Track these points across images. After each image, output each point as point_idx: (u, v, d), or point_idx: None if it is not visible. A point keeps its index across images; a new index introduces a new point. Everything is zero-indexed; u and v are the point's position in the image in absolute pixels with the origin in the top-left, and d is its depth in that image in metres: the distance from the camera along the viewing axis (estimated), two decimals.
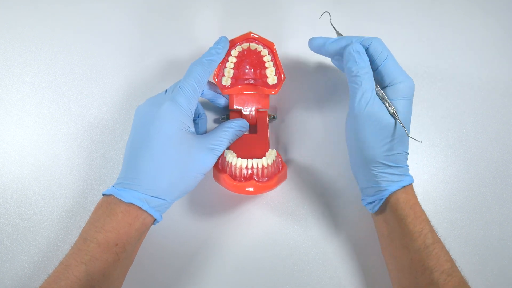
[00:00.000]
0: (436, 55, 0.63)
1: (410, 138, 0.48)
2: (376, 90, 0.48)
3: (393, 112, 0.46)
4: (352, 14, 0.64)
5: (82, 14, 0.63)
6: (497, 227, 0.57)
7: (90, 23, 0.62)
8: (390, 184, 0.47)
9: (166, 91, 0.50)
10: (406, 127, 0.48)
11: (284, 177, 0.53)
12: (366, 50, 0.49)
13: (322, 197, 0.57)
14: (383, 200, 0.48)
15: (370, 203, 0.50)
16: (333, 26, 0.53)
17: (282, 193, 0.57)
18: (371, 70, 0.48)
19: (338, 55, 0.52)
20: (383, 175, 0.47)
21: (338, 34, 0.53)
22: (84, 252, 0.44)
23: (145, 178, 0.46)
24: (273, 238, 0.56)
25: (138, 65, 0.61)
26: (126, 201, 0.45)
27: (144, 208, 0.46)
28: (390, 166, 0.47)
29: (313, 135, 0.59)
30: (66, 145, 0.58)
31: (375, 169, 0.47)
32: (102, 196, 0.48)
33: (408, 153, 0.49)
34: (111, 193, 0.46)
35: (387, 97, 0.48)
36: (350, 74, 0.48)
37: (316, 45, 0.52)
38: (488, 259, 0.56)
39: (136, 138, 0.48)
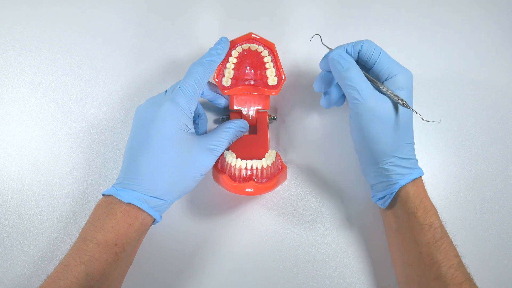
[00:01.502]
0: (436, 55, 0.63)
1: (426, 121, 0.49)
2: (378, 86, 0.48)
3: (403, 102, 0.46)
4: (353, 16, 0.64)
5: (82, 14, 0.62)
6: (497, 227, 0.57)
7: (90, 23, 0.62)
8: (400, 177, 0.48)
9: (166, 91, 0.50)
10: (408, 119, 0.48)
11: (283, 178, 0.53)
12: (359, 52, 0.49)
13: (322, 198, 0.57)
14: (393, 194, 0.48)
15: (381, 198, 0.50)
16: (326, 46, 0.53)
17: (282, 193, 0.57)
18: (357, 67, 0.48)
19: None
20: (393, 168, 0.48)
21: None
22: (84, 252, 0.44)
23: (144, 178, 0.46)
24: (272, 238, 0.56)
25: (138, 65, 0.61)
26: (126, 201, 0.45)
27: (143, 208, 0.46)
28: (400, 158, 0.47)
29: (313, 136, 0.59)
30: (66, 145, 0.58)
31: (385, 163, 0.48)
32: (101, 196, 0.48)
33: (414, 143, 0.49)
34: (111, 193, 0.46)
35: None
36: (339, 77, 0.48)
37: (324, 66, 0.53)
38: (488, 259, 0.56)
39: (136, 138, 0.48)
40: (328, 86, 0.53)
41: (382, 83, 0.49)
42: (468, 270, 0.46)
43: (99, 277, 0.44)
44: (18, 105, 0.59)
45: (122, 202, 0.45)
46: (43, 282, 0.44)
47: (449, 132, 0.60)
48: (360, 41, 0.49)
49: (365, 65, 0.51)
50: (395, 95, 0.47)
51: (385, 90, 0.48)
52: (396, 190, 0.48)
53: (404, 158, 0.48)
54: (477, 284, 0.46)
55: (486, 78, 0.62)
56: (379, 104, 0.46)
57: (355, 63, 0.48)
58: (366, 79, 0.48)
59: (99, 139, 0.59)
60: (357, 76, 0.47)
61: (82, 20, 0.62)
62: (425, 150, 0.60)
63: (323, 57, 0.52)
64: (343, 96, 0.54)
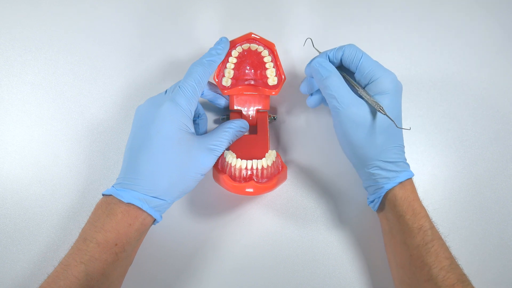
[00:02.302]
0: (436, 56, 0.63)
1: (401, 129, 0.48)
2: (356, 90, 0.49)
3: (379, 108, 0.46)
4: (353, 16, 0.64)
5: (82, 14, 0.63)
6: (496, 226, 0.57)
7: (90, 23, 0.62)
8: (386, 181, 0.48)
9: (166, 91, 0.50)
10: (394, 120, 0.48)
11: (283, 178, 0.53)
12: (342, 58, 0.50)
13: (322, 197, 0.57)
14: (381, 198, 0.48)
15: (372, 201, 0.50)
16: (316, 50, 0.53)
17: (282, 193, 0.57)
18: (338, 74, 0.48)
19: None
20: (378, 172, 0.48)
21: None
22: (84, 252, 0.44)
23: (144, 179, 0.46)
24: (272, 238, 0.56)
25: (138, 65, 0.61)
26: (126, 201, 0.45)
27: (143, 208, 0.46)
28: (385, 162, 0.48)
29: (313, 136, 0.59)
30: (66, 145, 0.58)
31: (370, 168, 0.48)
32: (102, 196, 0.48)
33: (403, 146, 0.49)
34: (111, 193, 0.46)
35: (370, 93, 0.48)
36: (320, 86, 0.49)
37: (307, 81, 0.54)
38: (487, 259, 0.56)
39: (136, 138, 0.48)
40: (312, 90, 0.54)
41: (364, 87, 0.49)
42: (463, 271, 0.46)
43: (99, 277, 0.44)
44: (18, 105, 0.59)
45: (122, 202, 0.45)
46: (43, 282, 0.44)
47: (449, 132, 0.60)
48: (342, 47, 0.50)
49: (350, 70, 0.51)
50: (373, 101, 0.47)
51: (365, 96, 0.48)
52: (383, 194, 0.48)
53: (390, 162, 0.48)
54: (477, 283, 0.46)
55: (486, 78, 0.62)
56: (359, 111, 0.47)
57: (335, 70, 0.48)
58: (346, 87, 0.48)
59: (99, 139, 0.59)
60: (336, 84, 0.47)
61: (82, 20, 0.62)
62: (425, 150, 0.60)
63: (308, 64, 0.52)
64: None
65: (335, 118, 0.49)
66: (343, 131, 0.48)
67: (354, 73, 0.51)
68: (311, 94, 0.55)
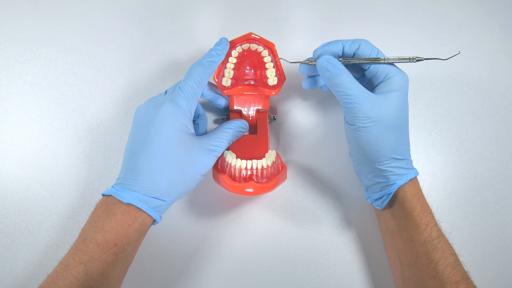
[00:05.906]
0: (436, 55, 0.63)
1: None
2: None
3: (417, 59, 0.48)
4: (353, 16, 0.64)
5: (82, 14, 0.62)
6: (496, 227, 0.57)
7: (90, 23, 0.62)
8: (398, 178, 0.48)
9: (166, 92, 0.50)
10: (404, 120, 0.48)
11: (283, 178, 0.53)
12: (356, 51, 0.50)
13: (322, 197, 0.57)
14: (392, 194, 0.48)
15: (378, 199, 0.50)
16: (304, 62, 0.52)
17: (282, 193, 0.57)
18: (347, 71, 0.48)
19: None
20: (391, 169, 0.47)
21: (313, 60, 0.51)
22: (83, 252, 0.44)
23: (144, 179, 0.46)
24: (272, 238, 0.56)
25: (138, 66, 0.61)
26: (126, 202, 0.45)
27: (143, 209, 0.46)
28: (397, 159, 0.47)
29: (312, 136, 0.59)
30: (66, 145, 0.58)
31: (383, 165, 0.47)
32: (101, 196, 0.48)
33: (409, 144, 0.50)
34: (111, 194, 0.46)
35: (380, 87, 0.49)
36: (330, 84, 0.48)
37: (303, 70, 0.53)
38: (487, 259, 0.56)
39: (136, 139, 0.48)
40: (311, 74, 0.53)
41: (379, 84, 0.50)
42: (466, 268, 0.46)
43: (98, 277, 0.44)
44: (18, 105, 0.59)
45: (122, 202, 0.46)
46: (42, 282, 0.44)
47: (449, 132, 0.60)
48: (358, 40, 0.49)
49: (361, 66, 0.51)
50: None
51: (393, 60, 0.49)
52: (394, 190, 0.48)
53: (401, 159, 0.48)
54: (477, 283, 0.46)
55: (486, 78, 0.62)
56: (374, 107, 0.47)
57: (344, 67, 0.48)
58: (358, 83, 0.47)
59: (99, 139, 0.59)
60: (348, 81, 0.47)
61: (82, 20, 0.62)
62: (425, 150, 0.60)
63: (301, 64, 0.52)
64: None
65: (348, 114, 0.48)
66: (356, 127, 0.47)
67: (365, 70, 0.51)
68: (308, 76, 0.54)
